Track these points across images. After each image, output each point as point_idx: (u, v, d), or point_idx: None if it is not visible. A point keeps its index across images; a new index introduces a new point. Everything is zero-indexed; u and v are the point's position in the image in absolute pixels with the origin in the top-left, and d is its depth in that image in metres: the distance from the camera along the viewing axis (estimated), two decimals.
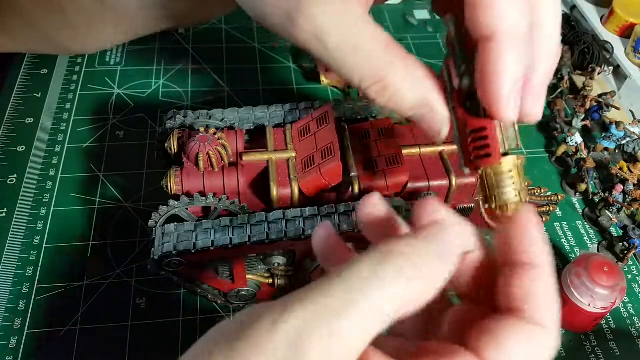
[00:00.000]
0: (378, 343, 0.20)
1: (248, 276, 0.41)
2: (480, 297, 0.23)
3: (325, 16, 0.24)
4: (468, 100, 0.24)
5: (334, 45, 0.24)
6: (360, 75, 0.25)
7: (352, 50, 0.24)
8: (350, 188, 0.38)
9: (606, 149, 0.55)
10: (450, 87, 0.25)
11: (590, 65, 0.61)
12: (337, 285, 0.18)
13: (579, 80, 0.61)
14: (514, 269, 0.22)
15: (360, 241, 0.38)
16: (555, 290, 0.22)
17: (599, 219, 0.50)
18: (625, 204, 0.50)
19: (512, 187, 0.24)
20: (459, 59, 0.24)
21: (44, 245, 0.46)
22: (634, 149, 0.54)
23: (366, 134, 0.40)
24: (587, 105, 0.56)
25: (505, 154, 0.24)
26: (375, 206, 0.24)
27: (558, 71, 0.61)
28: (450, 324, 0.23)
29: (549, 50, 0.24)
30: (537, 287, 0.21)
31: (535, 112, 0.24)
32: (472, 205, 0.41)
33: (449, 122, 0.25)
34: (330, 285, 0.18)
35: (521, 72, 0.23)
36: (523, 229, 0.22)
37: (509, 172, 0.24)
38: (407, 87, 0.24)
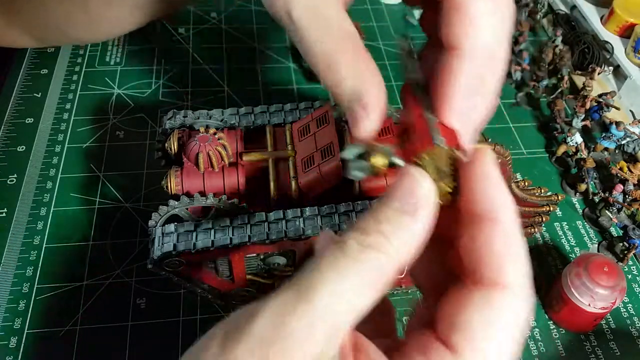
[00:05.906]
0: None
1: (248, 276, 0.41)
2: (438, 287, 0.22)
3: None
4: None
5: (298, 15, 0.24)
6: (314, 53, 0.25)
7: (313, 19, 0.24)
8: (351, 188, 0.38)
9: (606, 149, 0.55)
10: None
11: (590, 65, 0.61)
12: (308, 270, 0.19)
13: (579, 80, 0.61)
14: (466, 229, 0.20)
15: None
16: (521, 245, 0.19)
17: (599, 219, 0.50)
18: (625, 204, 0.50)
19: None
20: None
21: (44, 245, 0.46)
22: (634, 149, 0.54)
23: None
24: (587, 105, 0.56)
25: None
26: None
27: (558, 71, 0.61)
28: (419, 316, 0.23)
29: (491, 95, 0.24)
30: (494, 244, 0.19)
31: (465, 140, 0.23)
32: None
33: (375, 125, 0.25)
34: (302, 273, 0.19)
35: (476, 89, 0.23)
36: (479, 175, 0.20)
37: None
38: (349, 76, 0.24)
